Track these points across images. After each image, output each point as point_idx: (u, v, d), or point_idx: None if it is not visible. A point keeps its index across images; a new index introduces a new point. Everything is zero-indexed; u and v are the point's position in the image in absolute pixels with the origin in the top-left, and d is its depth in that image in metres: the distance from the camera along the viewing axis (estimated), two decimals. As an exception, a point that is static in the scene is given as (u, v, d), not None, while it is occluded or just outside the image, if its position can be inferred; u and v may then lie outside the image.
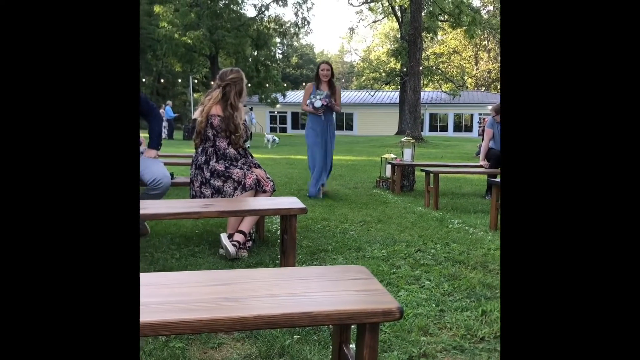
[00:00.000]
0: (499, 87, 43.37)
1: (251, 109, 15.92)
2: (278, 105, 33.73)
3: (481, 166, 6.23)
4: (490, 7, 39.44)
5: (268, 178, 3.60)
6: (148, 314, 1.20)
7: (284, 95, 33.11)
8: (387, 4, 30.69)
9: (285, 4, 39.76)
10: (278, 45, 42.21)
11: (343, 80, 60.22)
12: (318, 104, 5.83)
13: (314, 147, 6.00)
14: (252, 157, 3.75)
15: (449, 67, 42.76)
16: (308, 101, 5.91)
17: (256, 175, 3.51)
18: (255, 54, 30.83)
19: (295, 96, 40.06)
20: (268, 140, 17.92)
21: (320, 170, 5.99)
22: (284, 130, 39.20)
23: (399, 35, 30.42)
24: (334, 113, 6.15)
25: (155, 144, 3.95)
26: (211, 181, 3.52)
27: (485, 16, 31.95)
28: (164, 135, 3.93)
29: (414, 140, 7.46)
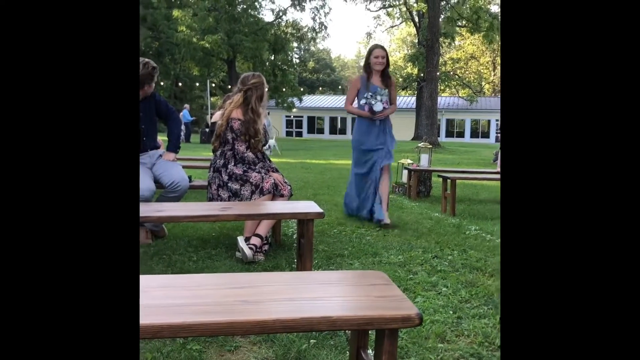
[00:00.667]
0: (516, 93, 43.14)
1: (268, 114, 15.59)
2: (294, 110, 33.86)
3: (499, 172, 6.18)
4: (509, 13, 39.17)
5: (285, 182, 3.61)
6: (167, 315, 1.20)
7: (300, 100, 33.23)
8: (404, 9, 30.68)
9: (302, 9, 39.86)
10: (295, 49, 42.40)
11: (359, 85, 60.17)
12: (379, 107, 4.39)
13: (370, 157, 4.60)
14: (270, 161, 3.77)
15: (467, 72, 42.56)
16: (362, 101, 4.47)
17: (274, 180, 3.52)
18: (273, 58, 31.02)
19: (312, 100, 40.14)
20: (269, 146, 16.03)
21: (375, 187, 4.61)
22: (299, 134, 39.28)
23: (417, 41, 30.37)
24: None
25: (173, 146, 3.98)
26: (229, 184, 3.53)
27: (504, 22, 31.69)
28: (181, 139, 3.98)
29: (430, 146, 7.43)
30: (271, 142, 15.13)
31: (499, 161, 6.30)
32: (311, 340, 2.08)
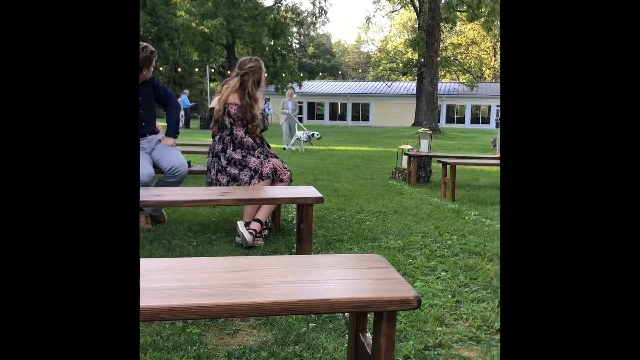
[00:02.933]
0: (517, 78, 42.99)
1: (268, 100, 15.21)
2: (294, 95, 33.74)
3: (498, 158, 6.17)
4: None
5: (285, 168, 3.60)
6: (166, 298, 1.20)
7: (300, 85, 33.07)
8: (405, -7, 30.44)
9: (302, -6, 39.38)
10: (295, 34, 42.17)
11: (360, 71, 59.99)
12: None
13: None
14: (269, 146, 3.76)
15: (467, 58, 42.38)
16: None
17: (273, 165, 3.51)
18: (272, 43, 30.84)
19: (312, 86, 39.98)
20: (300, 139, 12.20)
21: None
22: (299, 120, 39.12)
23: (417, 26, 30.16)
24: None
25: (172, 132, 3.97)
26: (227, 169, 3.53)
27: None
28: (180, 124, 3.95)
29: (430, 132, 7.41)
30: (301, 134, 12.28)
31: (498, 146, 6.27)
32: (310, 324, 2.09)
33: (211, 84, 31.30)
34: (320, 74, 51.78)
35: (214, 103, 3.70)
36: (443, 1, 21.74)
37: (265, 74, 3.79)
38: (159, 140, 3.87)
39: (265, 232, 3.45)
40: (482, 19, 22.33)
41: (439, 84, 23.63)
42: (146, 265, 1.43)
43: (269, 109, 13.05)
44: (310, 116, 39.41)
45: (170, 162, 3.64)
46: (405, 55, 33.03)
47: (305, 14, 32.77)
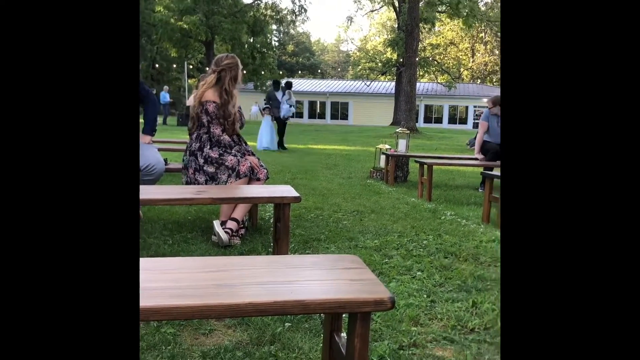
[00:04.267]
0: (494, 79, 43.48)
1: (290, 85, 12.49)
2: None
3: (476, 159, 6.23)
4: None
5: (262, 166, 3.59)
6: (140, 299, 1.19)
7: (280, 83, 32.94)
8: (385, -7, 30.56)
9: (282, -9, 39.27)
10: (274, 32, 42.05)
11: (339, 70, 60.04)
12: None
13: None
14: (246, 144, 3.74)
15: (446, 58, 42.70)
16: None
17: (250, 163, 3.50)
18: (251, 40, 30.69)
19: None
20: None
21: None
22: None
23: (396, 26, 30.31)
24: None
25: (149, 129, 3.93)
26: (205, 168, 3.51)
27: (483, 8, 31.86)
28: (158, 121, 3.91)
29: (408, 131, 7.46)
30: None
31: (477, 147, 6.31)
32: (286, 324, 2.09)
33: (189, 81, 31.02)
34: (300, 72, 51.68)
35: (190, 101, 3.68)
36: (422, 1, 21.89)
37: (243, 71, 3.78)
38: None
39: (242, 231, 3.44)
40: (461, 19, 22.54)
41: (418, 84, 23.79)
42: (119, 265, 1.42)
43: (291, 104, 12.05)
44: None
45: (146, 159, 3.61)
46: (385, 55, 33.15)
47: (285, 12, 32.68)
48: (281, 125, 12.01)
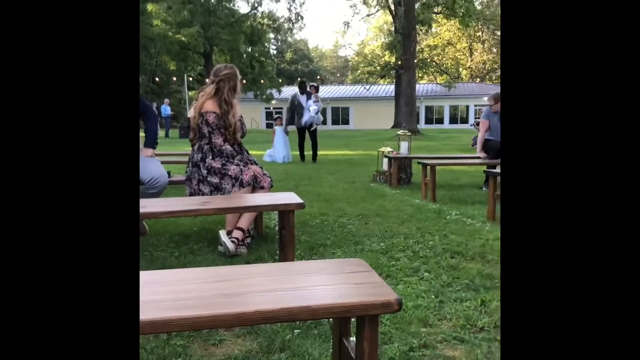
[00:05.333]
0: (494, 78, 43.43)
1: (317, 88, 10.65)
2: (273, 102, 33.64)
3: (478, 157, 6.22)
4: (484, -2, 39.36)
5: (265, 174, 3.60)
6: (148, 312, 1.20)
7: (279, 91, 33.04)
8: (380, -3, 30.64)
9: (277, 0, 39.49)
10: (272, 41, 42.18)
11: (338, 75, 60.13)
12: None
13: None
14: (248, 153, 3.75)
15: (444, 59, 42.70)
16: None
17: (253, 172, 3.51)
18: (250, 50, 30.81)
19: (290, 92, 39.90)
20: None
21: None
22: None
23: (393, 29, 30.36)
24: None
25: (151, 142, 3.95)
26: (208, 178, 3.51)
27: (479, 7, 31.89)
28: (160, 134, 3.94)
29: (410, 133, 7.46)
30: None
31: (478, 146, 6.30)
32: (295, 330, 2.09)
33: (189, 93, 31.12)
34: (299, 79, 51.73)
35: (191, 113, 3.69)
36: (418, 3, 21.93)
37: (244, 82, 3.79)
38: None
39: (248, 240, 3.44)
40: (458, 19, 22.58)
41: (417, 85, 23.81)
42: (126, 279, 1.42)
43: (318, 108, 10.04)
44: (290, 122, 39.33)
45: (150, 173, 3.62)
46: (383, 58, 33.23)
47: (282, 20, 32.80)
48: (302, 134, 10.49)
